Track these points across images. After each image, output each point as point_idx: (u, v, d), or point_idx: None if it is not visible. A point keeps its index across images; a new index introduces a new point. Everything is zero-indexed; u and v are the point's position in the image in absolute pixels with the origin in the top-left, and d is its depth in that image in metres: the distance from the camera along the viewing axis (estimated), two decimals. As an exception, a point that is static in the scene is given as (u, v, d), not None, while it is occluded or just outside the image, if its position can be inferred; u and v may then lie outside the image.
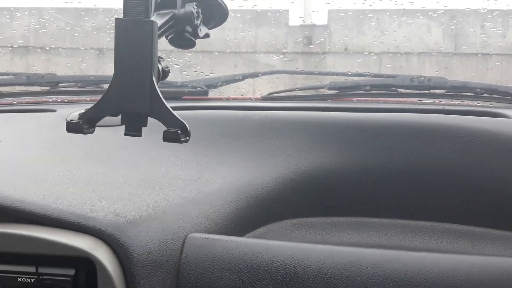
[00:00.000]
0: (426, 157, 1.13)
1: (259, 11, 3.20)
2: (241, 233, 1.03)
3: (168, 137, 0.75)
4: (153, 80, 0.74)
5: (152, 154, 1.13)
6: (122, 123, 0.77)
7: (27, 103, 1.51)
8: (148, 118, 0.77)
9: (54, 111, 1.34)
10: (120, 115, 0.77)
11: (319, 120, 1.21)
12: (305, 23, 3.26)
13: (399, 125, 1.17)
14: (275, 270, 0.84)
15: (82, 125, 0.76)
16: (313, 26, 3.31)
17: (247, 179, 1.09)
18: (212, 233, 0.94)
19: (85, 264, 0.83)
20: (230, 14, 0.90)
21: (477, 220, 1.10)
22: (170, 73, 0.82)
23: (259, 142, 1.18)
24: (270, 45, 3.24)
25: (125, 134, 0.78)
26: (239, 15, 2.86)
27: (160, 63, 0.77)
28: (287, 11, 3.23)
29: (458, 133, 1.14)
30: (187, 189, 1.02)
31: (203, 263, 0.86)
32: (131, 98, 0.75)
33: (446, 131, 1.14)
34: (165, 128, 0.75)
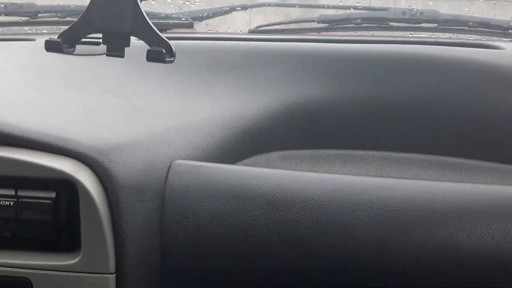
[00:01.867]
0: (417, 88, 1.06)
1: None
2: (227, 163, 0.96)
3: (152, 57, 0.69)
4: None
5: (136, 83, 1.05)
6: (103, 43, 0.70)
7: (5, 35, 1.41)
8: (132, 40, 0.70)
9: (33, 40, 1.24)
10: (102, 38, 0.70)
11: (308, 50, 1.13)
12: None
13: (390, 56, 1.09)
14: (261, 197, 0.79)
15: (61, 44, 0.71)
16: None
17: (234, 110, 1.01)
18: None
19: (66, 188, 0.76)
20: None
21: (467, 151, 1.04)
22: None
23: (246, 72, 1.09)
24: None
25: (107, 55, 0.72)
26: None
27: None
28: None
29: (450, 63, 1.07)
30: (172, 117, 0.94)
31: (188, 189, 0.80)
32: (113, 16, 0.68)
33: (438, 61, 1.07)
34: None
